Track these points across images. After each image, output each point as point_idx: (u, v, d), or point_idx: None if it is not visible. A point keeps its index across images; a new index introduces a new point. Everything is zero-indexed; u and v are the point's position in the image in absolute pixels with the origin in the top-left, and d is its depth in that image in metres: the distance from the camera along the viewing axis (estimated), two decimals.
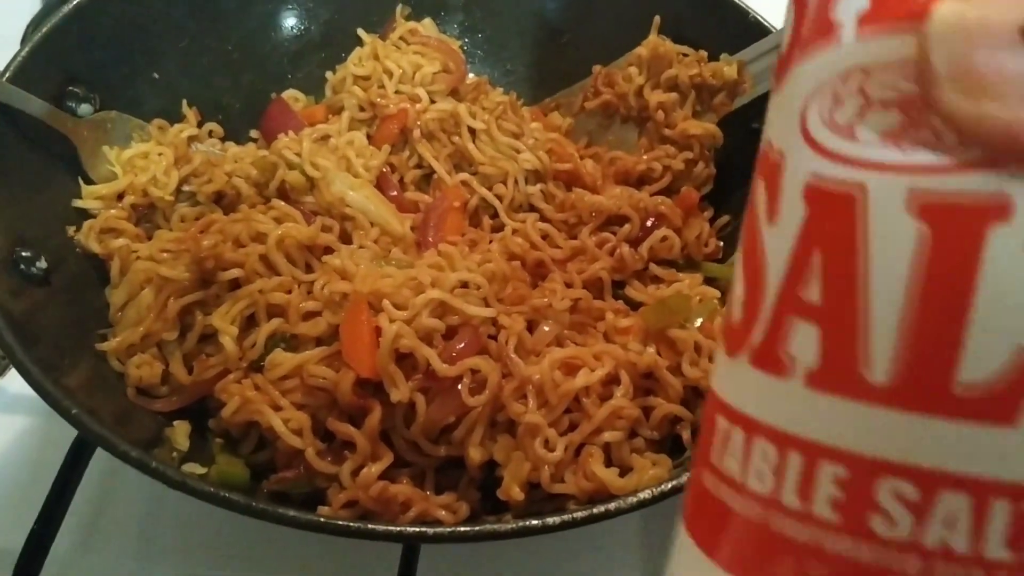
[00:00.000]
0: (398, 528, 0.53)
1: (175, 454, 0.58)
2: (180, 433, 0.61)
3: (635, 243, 0.75)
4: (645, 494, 0.50)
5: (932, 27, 0.19)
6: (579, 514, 0.49)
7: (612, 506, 0.49)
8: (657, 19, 0.83)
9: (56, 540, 0.66)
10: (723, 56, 0.79)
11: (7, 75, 0.65)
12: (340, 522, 0.49)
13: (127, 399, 0.62)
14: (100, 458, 0.70)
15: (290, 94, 0.86)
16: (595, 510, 0.49)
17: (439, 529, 0.50)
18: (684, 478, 0.51)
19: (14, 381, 0.75)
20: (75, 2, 0.71)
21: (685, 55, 0.81)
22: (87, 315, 0.65)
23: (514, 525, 0.49)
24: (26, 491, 0.69)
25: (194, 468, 0.55)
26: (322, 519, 0.49)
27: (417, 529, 0.52)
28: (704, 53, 0.81)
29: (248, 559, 0.69)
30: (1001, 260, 0.19)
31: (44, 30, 0.68)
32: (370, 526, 0.49)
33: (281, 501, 0.59)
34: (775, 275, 0.23)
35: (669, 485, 0.50)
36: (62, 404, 0.51)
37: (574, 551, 0.70)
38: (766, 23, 0.79)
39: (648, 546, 0.71)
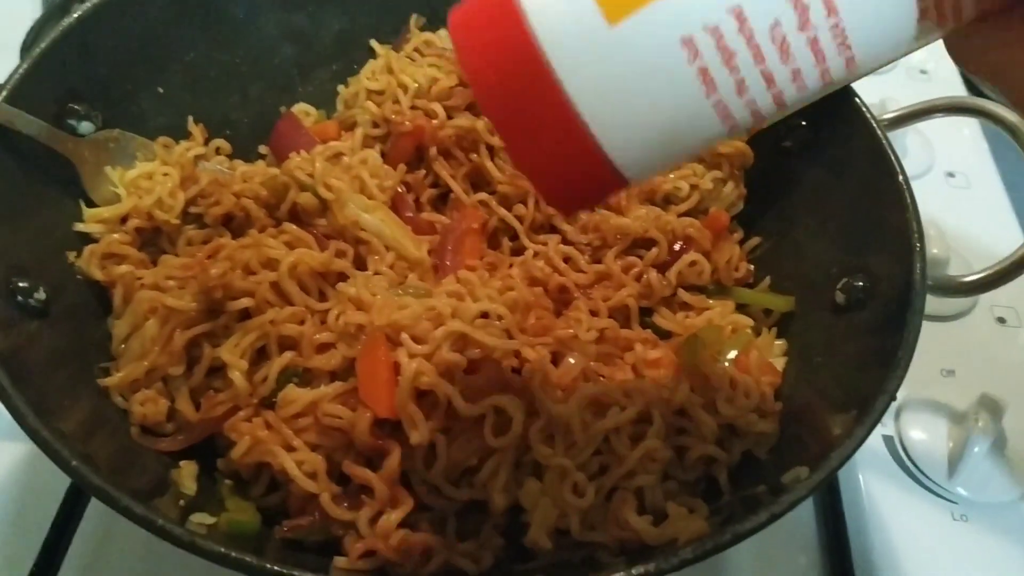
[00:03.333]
0: None
1: (181, 502, 0.55)
2: (187, 475, 0.58)
3: (662, 268, 0.72)
4: (686, 553, 0.47)
5: None
6: (618, 574, 0.46)
7: (652, 567, 0.46)
8: None
9: None
10: None
11: (3, 95, 0.61)
12: None
13: (130, 439, 0.59)
14: None
15: (300, 108, 0.82)
16: (634, 571, 0.46)
17: None
18: (727, 536, 0.47)
19: None
20: (76, 15, 0.67)
21: None
22: (88, 347, 0.62)
23: None
24: (25, 527, 0.66)
25: (202, 518, 0.52)
26: None
27: None
28: None
29: None
30: None
31: (42, 46, 0.64)
32: None
33: (295, 549, 0.56)
34: None
35: (711, 544, 0.47)
36: (61, 455, 0.47)
37: None
38: None
39: None
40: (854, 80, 0.34)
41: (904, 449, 0.77)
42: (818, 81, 0.33)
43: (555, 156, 0.34)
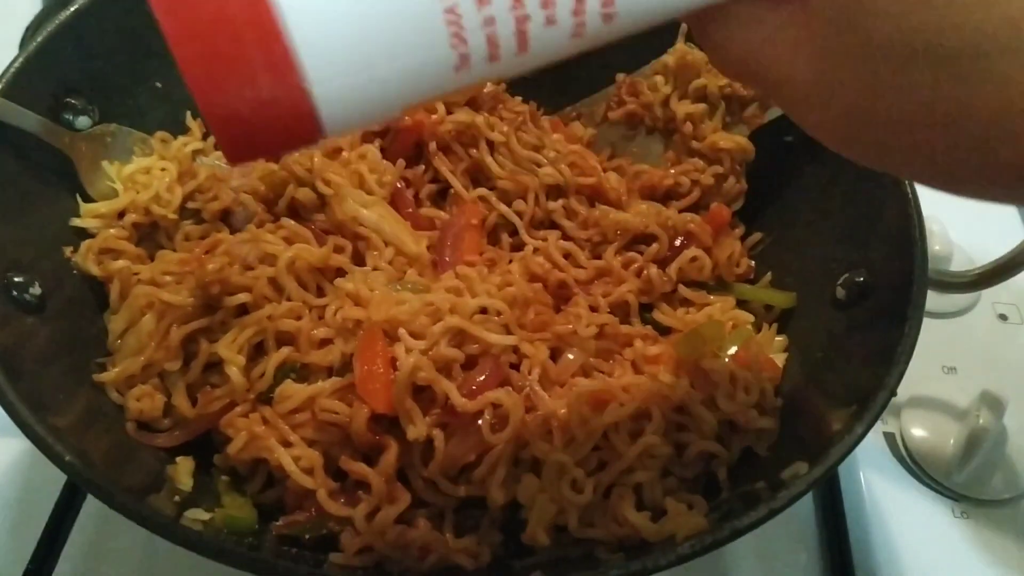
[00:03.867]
0: None
1: (177, 498, 0.54)
2: (183, 471, 0.57)
3: (663, 263, 0.71)
4: (685, 548, 0.47)
5: None
6: (615, 572, 0.46)
7: (650, 563, 0.46)
8: (684, 25, 0.78)
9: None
10: None
11: None
12: None
13: (126, 434, 0.59)
14: None
15: None
16: (632, 567, 0.45)
17: None
18: (726, 532, 0.47)
19: None
20: (73, 8, 0.67)
21: None
22: (85, 343, 0.62)
23: None
24: (21, 523, 0.66)
25: (198, 514, 0.52)
26: None
27: None
28: None
29: None
30: None
31: (39, 39, 0.64)
32: None
33: (291, 545, 0.55)
34: None
35: (710, 539, 0.47)
36: (55, 450, 0.47)
37: None
38: None
39: None
40: (606, 39, 0.28)
41: (905, 446, 0.76)
42: (569, 17, 0.27)
43: (236, 74, 0.26)
